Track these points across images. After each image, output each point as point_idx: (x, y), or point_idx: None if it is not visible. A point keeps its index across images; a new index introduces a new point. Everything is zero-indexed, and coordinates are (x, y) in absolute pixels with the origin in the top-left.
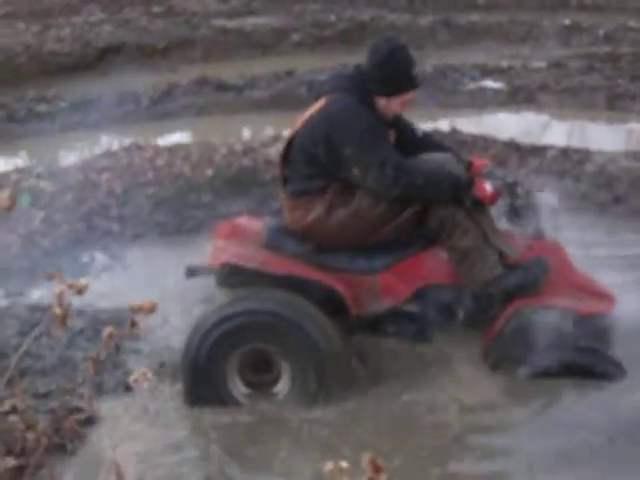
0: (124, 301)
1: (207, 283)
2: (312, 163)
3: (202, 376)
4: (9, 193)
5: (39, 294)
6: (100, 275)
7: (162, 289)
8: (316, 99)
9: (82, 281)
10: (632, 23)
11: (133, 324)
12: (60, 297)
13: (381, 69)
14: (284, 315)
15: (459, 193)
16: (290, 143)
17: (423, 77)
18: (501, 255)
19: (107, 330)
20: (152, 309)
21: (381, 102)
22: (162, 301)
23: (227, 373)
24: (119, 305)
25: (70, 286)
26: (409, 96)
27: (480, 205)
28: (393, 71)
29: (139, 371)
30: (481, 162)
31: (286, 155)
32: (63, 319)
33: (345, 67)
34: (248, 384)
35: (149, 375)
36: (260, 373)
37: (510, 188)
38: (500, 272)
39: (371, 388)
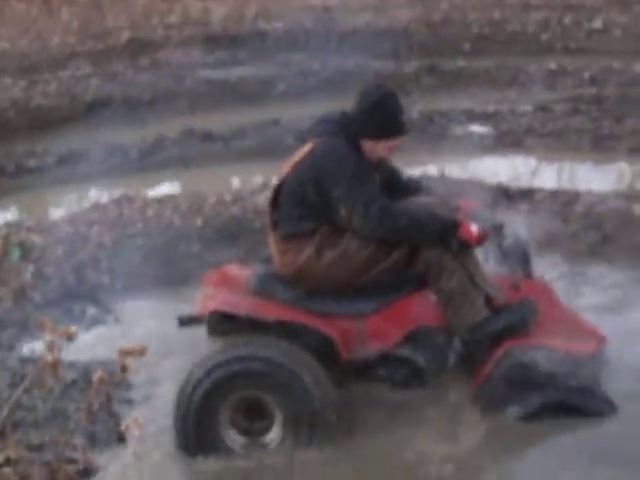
0: (115, 353)
1: (199, 332)
2: (301, 205)
3: (195, 424)
4: (2, 237)
5: (31, 347)
6: (92, 327)
7: (154, 339)
8: (303, 143)
9: (72, 328)
10: (616, 65)
11: (123, 369)
12: (51, 345)
13: (370, 113)
14: (276, 361)
15: (445, 235)
16: (278, 188)
17: (410, 123)
18: (488, 297)
19: (98, 374)
20: (142, 352)
21: (367, 145)
22: (154, 351)
23: (220, 421)
24: (111, 356)
25: (60, 334)
26: (396, 142)
27: (467, 247)
28: (381, 116)
29: (131, 418)
30: (468, 204)
31: (275, 200)
32: (54, 367)
33: (331, 112)
34: (241, 432)
35: (140, 421)
36: (252, 421)
37: (497, 230)
38: (487, 315)
39: (360, 433)
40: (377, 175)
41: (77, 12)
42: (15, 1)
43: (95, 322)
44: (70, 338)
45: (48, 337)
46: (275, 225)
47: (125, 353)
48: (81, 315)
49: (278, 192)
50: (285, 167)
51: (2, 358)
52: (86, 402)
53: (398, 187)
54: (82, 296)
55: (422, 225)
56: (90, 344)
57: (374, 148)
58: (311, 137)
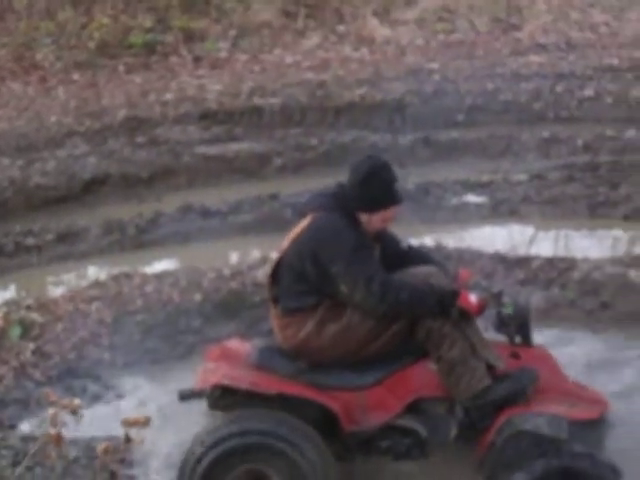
0: (117, 429)
1: (200, 407)
2: (301, 280)
3: None
4: (2, 315)
5: (32, 425)
6: (93, 404)
7: (155, 416)
8: (300, 217)
9: (75, 401)
10: (609, 132)
11: (128, 439)
12: (54, 418)
13: (362, 186)
14: (278, 435)
15: (445, 306)
16: (278, 262)
17: (406, 194)
18: (489, 366)
19: (102, 445)
20: (146, 423)
21: (363, 218)
22: (155, 426)
23: None
24: (113, 433)
25: (64, 406)
26: (391, 212)
27: (467, 316)
28: (374, 188)
29: None
30: (467, 273)
31: (274, 275)
32: (58, 441)
33: (328, 186)
34: None
35: None
36: None
37: (496, 298)
38: (488, 383)
39: None
40: (377, 245)
41: (73, 91)
42: (11, 81)
43: (96, 399)
44: (74, 412)
45: (51, 410)
46: (275, 299)
47: (129, 423)
48: (82, 392)
49: (277, 266)
50: (284, 241)
51: (3, 436)
52: (90, 477)
53: (398, 257)
54: (83, 373)
55: (423, 298)
56: (91, 421)
57: (370, 220)
58: (308, 211)
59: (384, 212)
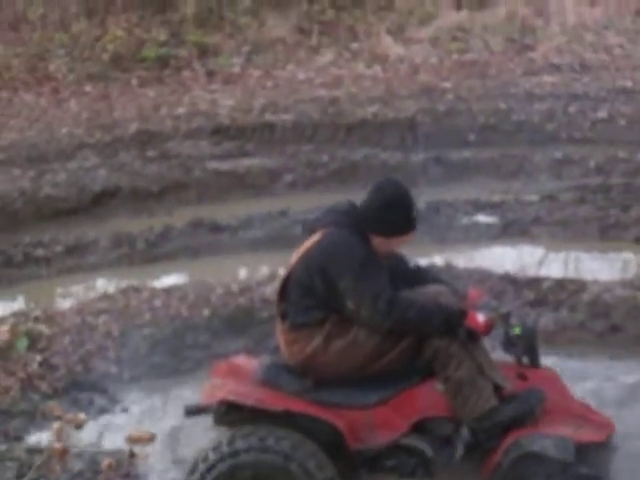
0: (123, 443)
1: (205, 422)
2: (309, 295)
3: None
4: (10, 326)
5: (38, 437)
6: (99, 417)
7: (161, 430)
8: (310, 233)
9: (80, 416)
10: (621, 154)
11: (132, 455)
12: (59, 432)
13: (382, 211)
14: (283, 452)
15: (452, 325)
16: (286, 278)
17: (417, 213)
18: (496, 386)
19: (106, 461)
20: (151, 439)
21: (377, 241)
22: (160, 441)
23: None
24: (118, 446)
25: (69, 421)
26: (407, 238)
27: (474, 336)
28: (394, 214)
29: None
30: (477, 293)
31: (283, 290)
32: (63, 455)
33: (339, 203)
34: None
35: None
36: None
37: (504, 318)
38: (495, 404)
39: None
40: (384, 264)
41: (86, 103)
42: (24, 92)
43: (102, 412)
44: (79, 426)
45: (56, 424)
46: (283, 315)
47: (134, 440)
48: (88, 405)
49: (286, 282)
50: (293, 257)
51: (9, 448)
52: None
53: (406, 275)
54: (89, 386)
55: (430, 316)
56: (97, 434)
57: (384, 244)
58: (319, 227)
59: (400, 238)
